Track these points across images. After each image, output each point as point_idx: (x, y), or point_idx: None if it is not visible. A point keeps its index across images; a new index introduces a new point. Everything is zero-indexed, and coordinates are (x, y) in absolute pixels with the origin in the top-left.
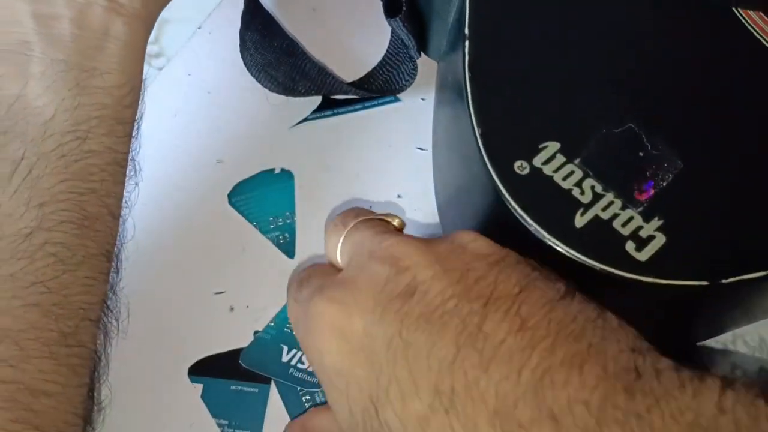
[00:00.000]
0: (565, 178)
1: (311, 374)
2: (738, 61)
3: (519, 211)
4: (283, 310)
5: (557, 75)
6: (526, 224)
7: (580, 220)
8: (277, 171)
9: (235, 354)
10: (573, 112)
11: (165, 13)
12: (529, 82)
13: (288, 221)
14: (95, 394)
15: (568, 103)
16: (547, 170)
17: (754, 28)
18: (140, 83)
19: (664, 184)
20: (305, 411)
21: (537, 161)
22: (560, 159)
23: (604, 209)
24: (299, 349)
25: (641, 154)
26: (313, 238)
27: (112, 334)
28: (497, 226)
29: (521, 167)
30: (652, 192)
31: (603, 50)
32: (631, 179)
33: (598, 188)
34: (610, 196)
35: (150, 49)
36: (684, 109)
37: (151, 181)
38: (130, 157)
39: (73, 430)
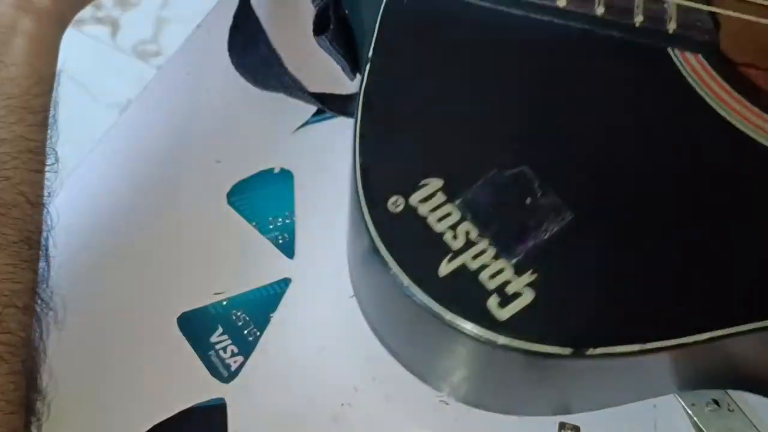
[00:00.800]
0: (440, 220)
1: (227, 366)
2: (666, 113)
3: (383, 251)
4: (243, 295)
5: (454, 110)
6: (388, 265)
7: (445, 268)
8: (277, 171)
9: None
10: (464, 150)
11: (163, 12)
12: (424, 114)
13: (287, 221)
14: (37, 383)
15: (460, 139)
16: (423, 210)
17: (690, 75)
18: (51, 75)
19: (546, 236)
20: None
21: (414, 199)
22: (440, 198)
23: (474, 257)
24: (233, 340)
25: (528, 200)
26: (313, 239)
27: (50, 326)
28: (367, 264)
29: (396, 204)
30: (530, 243)
31: (506, 90)
32: (511, 227)
33: (473, 234)
34: (483, 244)
35: (148, 47)
36: (585, 159)
37: (149, 180)
38: (48, 145)
39: (8, 418)
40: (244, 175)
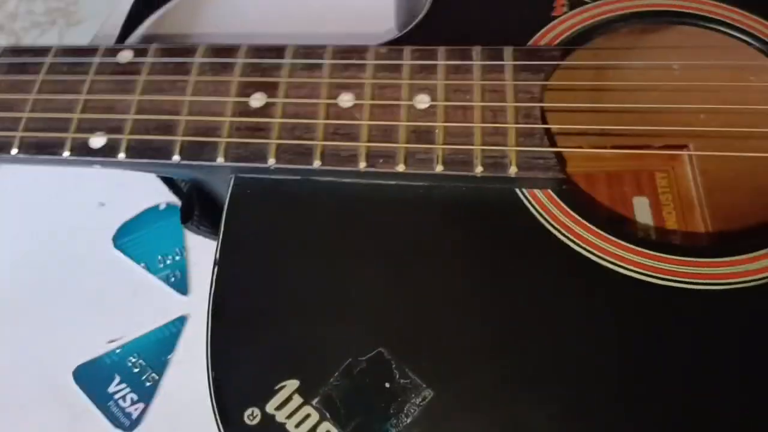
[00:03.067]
0: (299, 425)
1: (127, 415)
2: (519, 261)
3: None
4: (137, 340)
5: (305, 301)
6: None
7: None
8: (163, 207)
9: None
10: (318, 344)
11: None
12: (274, 313)
13: (178, 258)
14: None
15: (313, 332)
16: (281, 417)
17: (541, 213)
18: None
19: (409, 420)
20: None
21: (270, 406)
22: (297, 401)
23: None
24: (132, 387)
25: (387, 384)
26: (207, 272)
27: None
28: None
29: (252, 416)
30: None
31: (357, 269)
32: (372, 418)
33: None
34: None
35: None
36: (440, 330)
37: (31, 233)
38: None
39: None
40: (130, 215)
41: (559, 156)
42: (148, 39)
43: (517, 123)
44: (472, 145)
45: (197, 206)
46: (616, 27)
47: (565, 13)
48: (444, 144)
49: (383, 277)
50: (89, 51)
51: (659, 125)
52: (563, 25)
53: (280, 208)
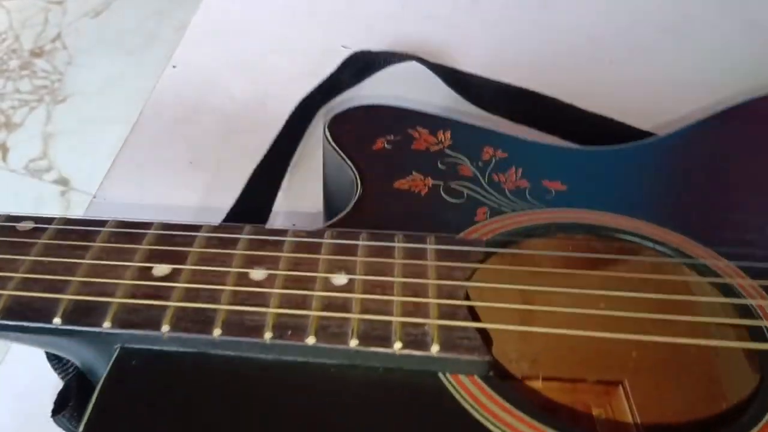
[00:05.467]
0: None
1: None
2: None
3: None
4: None
5: None
6: None
7: None
8: None
9: None
10: None
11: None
12: None
13: None
14: None
15: None
16: None
17: (466, 400)
18: None
19: None
20: None
21: None
22: None
23: None
24: None
25: None
26: None
27: None
28: None
29: None
30: None
31: None
32: None
33: None
34: None
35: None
36: None
37: None
38: None
39: None
40: None
41: (488, 336)
42: None
43: (439, 298)
44: (392, 316)
45: (75, 397)
46: (538, 233)
47: (487, 219)
48: (360, 314)
49: None
50: None
51: (591, 356)
52: (485, 228)
53: (165, 384)
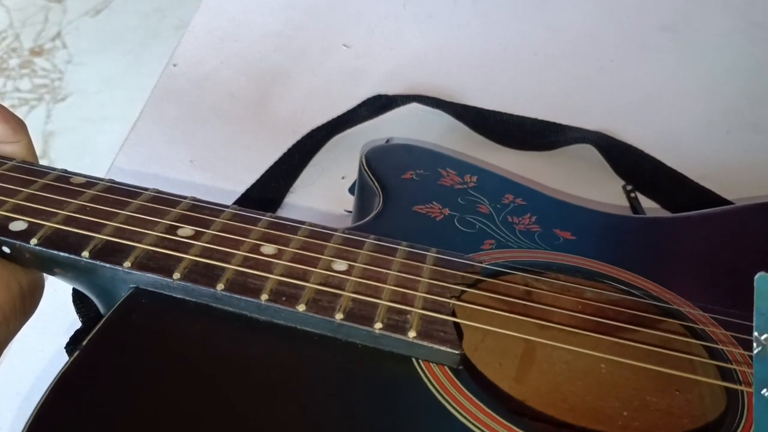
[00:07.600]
0: None
1: None
2: None
3: None
4: None
5: None
6: None
7: None
8: None
9: None
10: None
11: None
12: None
13: None
14: None
15: None
16: None
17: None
18: None
19: None
20: None
21: None
22: None
23: None
24: None
25: None
26: None
27: None
28: None
29: None
30: None
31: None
32: None
33: None
34: None
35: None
36: None
37: None
38: None
39: None
40: None
41: (461, 331)
42: None
43: (428, 294)
44: (380, 299)
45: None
46: (539, 271)
47: (492, 249)
48: (352, 293)
49: (252, 420)
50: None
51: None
52: (488, 256)
53: (168, 324)
